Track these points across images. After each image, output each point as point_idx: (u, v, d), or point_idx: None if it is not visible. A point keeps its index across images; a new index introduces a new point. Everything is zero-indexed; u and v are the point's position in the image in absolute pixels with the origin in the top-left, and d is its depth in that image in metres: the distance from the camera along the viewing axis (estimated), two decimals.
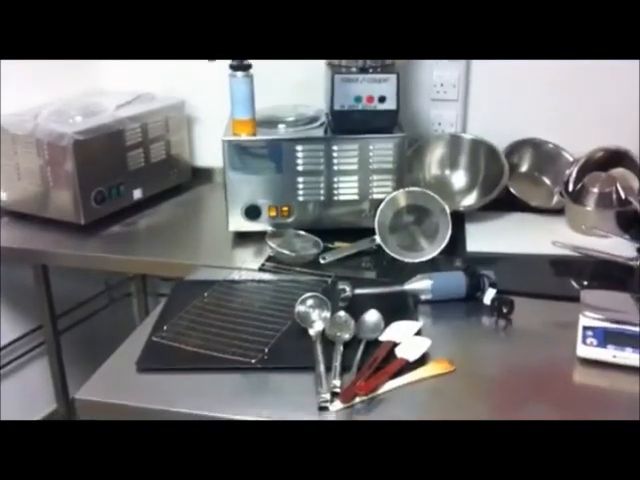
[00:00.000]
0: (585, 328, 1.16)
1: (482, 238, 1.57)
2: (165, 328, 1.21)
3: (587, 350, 1.13)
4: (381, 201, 1.50)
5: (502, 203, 1.67)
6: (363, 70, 1.52)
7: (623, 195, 1.55)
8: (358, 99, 1.50)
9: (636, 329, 1.14)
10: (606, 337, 1.13)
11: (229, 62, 1.48)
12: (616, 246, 1.41)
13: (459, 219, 1.62)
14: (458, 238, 1.56)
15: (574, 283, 1.39)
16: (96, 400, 1.08)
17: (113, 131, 1.70)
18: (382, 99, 1.50)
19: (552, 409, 1.05)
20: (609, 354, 1.12)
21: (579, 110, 1.70)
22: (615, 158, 1.63)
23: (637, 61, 1.62)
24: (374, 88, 1.50)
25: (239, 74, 1.49)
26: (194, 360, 1.14)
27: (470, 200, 1.70)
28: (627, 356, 1.11)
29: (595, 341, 1.13)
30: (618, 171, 1.63)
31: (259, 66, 1.50)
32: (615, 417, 1.02)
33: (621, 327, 1.15)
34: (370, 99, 1.50)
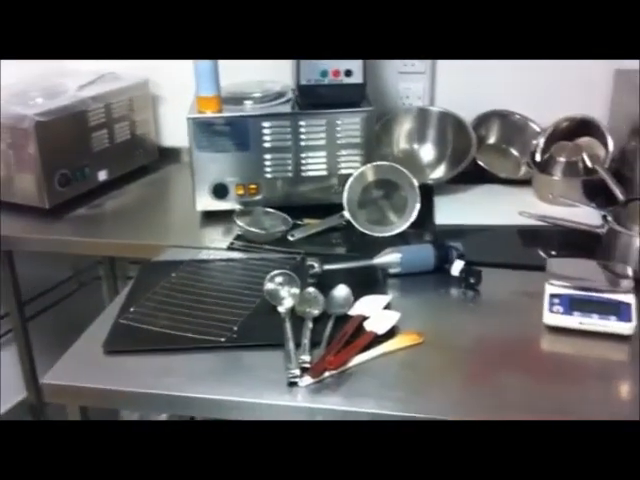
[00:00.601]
0: (551, 296, 1.16)
1: (451, 211, 1.57)
2: (132, 310, 1.20)
3: (553, 317, 1.14)
4: (349, 176, 1.50)
5: (471, 175, 1.67)
6: None
7: (589, 164, 1.56)
8: (324, 73, 1.49)
9: (602, 295, 1.15)
10: (572, 304, 1.14)
11: None
12: (583, 214, 1.42)
13: (428, 192, 1.62)
14: (427, 211, 1.56)
15: (541, 252, 1.39)
16: (63, 384, 1.07)
17: (76, 112, 1.67)
18: (348, 73, 1.49)
19: (521, 377, 1.06)
20: (575, 321, 1.13)
21: (545, 80, 1.71)
22: (581, 127, 1.64)
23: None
24: (340, 62, 1.48)
25: None
26: (162, 341, 1.13)
27: (439, 173, 1.70)
28: (593, 322, 1.12)
29: (561, 308, 1.14)
30: (584, 140, 1.63)
31: None
32: (581, 383, 1.04)
33: (587, 294, 1.16)
34: (336, 73, 1.49)
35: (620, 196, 1.39)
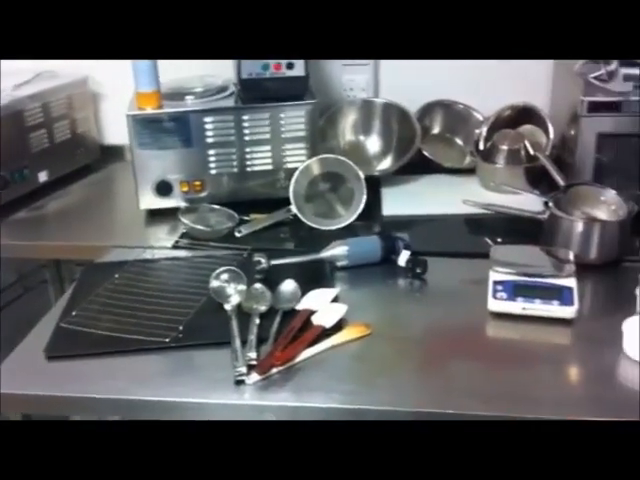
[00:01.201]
0: (495, 283, 1.18)
1: (398, 201, 1.58)
2: (74, 313, 1.17)
3: (498, 304, 1.16)
4: (296, 170, 1.49)
5: (417, 166, 1.68)
6: None
7: (532, 151, 1.58)
8: (266, 67, 1.47)
9: (544, 280, 1.17)
10: (515, 290, 1.16)
11: None
12: (526, 201, 1.44)
13: (375, 184, 1.62)
14: (374, 203, 1.56)
15: (487, 240, 1.41)
16: (4, 392, 1.04)
17: (12, 112, 1.62)
18: (290, 65, 1.48)
19: (468, 364, 1.07)
20: (518, 306, 1.14)
21: (487, 70, 1.72)
22: (523, 115, 1.66)
23: None
24: None
25: None
26: (106, 344, 1.10)
27: (385, 164, 1.70)
28: (536, 307, 1.14)
29: (505, 295, 1.16)
30: (526, 128, 1.66)
31: None
32: (527, 367, 1.05)
33: (529, 279, 1.17)
34: (278, 66, 1.47)
35: (561, 182, 1.41)
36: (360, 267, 1.33)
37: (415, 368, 1.07)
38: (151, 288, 1.25)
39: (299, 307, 1.18)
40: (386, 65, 1.76)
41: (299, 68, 1.47)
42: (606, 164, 1.44)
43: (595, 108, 1.40)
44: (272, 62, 1.47)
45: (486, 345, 1.14)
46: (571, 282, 1.17)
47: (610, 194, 1.36)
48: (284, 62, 1.47)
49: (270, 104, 1.49)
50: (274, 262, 1.28)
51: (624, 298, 1.19)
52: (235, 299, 1.19)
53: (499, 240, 1.41)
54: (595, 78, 1.45)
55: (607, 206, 1.36)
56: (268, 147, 1.52)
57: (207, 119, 1.48)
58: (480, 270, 1.24)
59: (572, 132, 1.45)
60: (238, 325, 1.12)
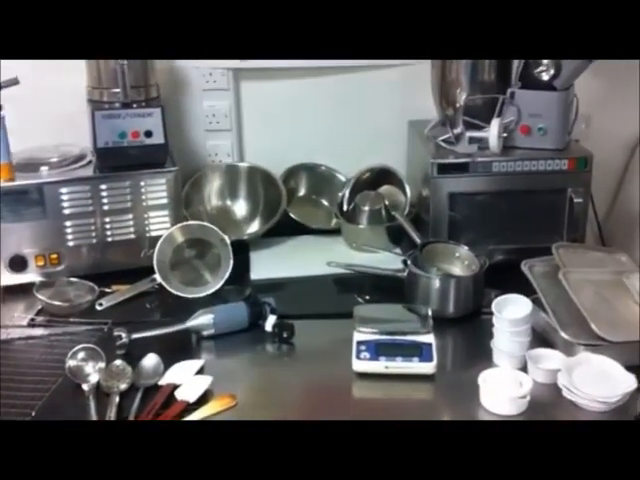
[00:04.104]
0: (358, 343, 1.20)
1: (266, 265, 1.58)
2: None
3: (362, 364, 1.17)
4: (159, 238, 1.46)
5: (286, 228, 1.70)
6: (126, 105, 1.47)
7: (391, 211, 1.64)
8: (123, 135, 1.46)
9: (405, 338, 1.20)
10: (377, 349, 1.18)
11: None
12: (387, 260, 1.49)
13: (244, 248, 1.62)
14: (243, 267, 1.55)
15: (356, 298, 1.44)
16: None
17: None
18: (149, 134, 1.47)
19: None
20: (381, 365, 1.17)
21: (347, 133, 1.79)
22: (382, 176, 1.73)
23: (395, 84, 1.73)
24: (139, 123, 1.46)
25: None
26: None
27: (253, 228, 1.71)
28: (397, 365, 1.17)
29: (368, 354, 1.18)
30: (386, 188, 1.73)
31: (13, 106, 1.40)
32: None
33: (390, 338, 1.20)
34: (136, 134, 1.46)
35: (418, 240, 1.47)
36: (228, 335, 1.31)
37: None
38: (2, 372, 1.17)
39: (162, 382, 1.14)
40: (250, 130, 1.78)
41: (157, 136, 1.47)
42: (459, 221, 1.51)
43: (444, 169, 1.48)
44: (130, 130, 1.45)
45: (352, 406, 1.15)
46: (430, 338, 1.21)
47: (463, 250, 1.44)
48: (142, 130, 1.46)
49: (129, 172, 1.46)
50: (135, 336, 1.24)
51: (482, 350, 1.24)
52: (93, 378, 1.14)
53: (367, 297, 1.45)
54: (443, 141, 1.55)
55: (461, 261, 1.44)
56: (130, 216, 1.49)
57: (63, 190, 1.43)
58: (344, 330, 1.26)
59: (426, 192, 1.53)
60: (96, 406, 1.07)
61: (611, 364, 1.14)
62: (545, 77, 1.48)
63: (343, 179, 1.78)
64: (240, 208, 1.75)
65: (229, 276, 1.47)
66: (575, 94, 1.54)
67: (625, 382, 1.11)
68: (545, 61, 1.47)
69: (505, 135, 1.49)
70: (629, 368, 1.13)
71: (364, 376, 1.18)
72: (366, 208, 1.64)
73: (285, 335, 1.28)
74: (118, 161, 1.46)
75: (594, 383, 1.10)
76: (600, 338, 1.17)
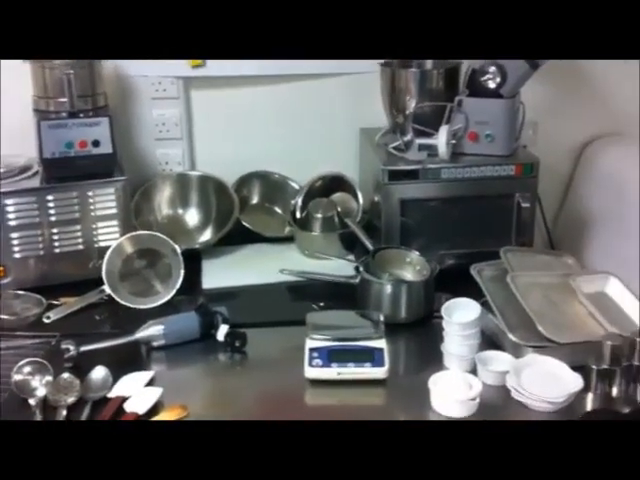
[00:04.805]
0: (311, 350, 1.20)
1: (219, 274, 1.57)
2: None
3: (314, 371, 1.17)
4: (108, 249, 1.44)
5: (239, 237, 1.69)
6: (72, 115, 1.45)
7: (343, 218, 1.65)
8: (70, 145, 1.43)
9: (357, 344, 1.21)
10: (330, 356, 1.19)
11: None
12: (340, 267, 1.49)
13: (196, 257, 1.61)
14: (195, 276, 1.54)
15: (306, 306, 1.44)
16: None
17: None
18: (96, 143, 1.45)
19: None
20: (334, 372, 1.17)
21: (299, 141, 1.79)
22: (335, 183, 1.73)
23: (347, 92, 1.74)
24: (86, 132, 1.44)
25: None
26: None
27: (206, 236, 1.70)
28: (350, 371, 1.17)
29: (320, 361, 1.18)
30: (339, 195, 1.73)
31: None
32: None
33: (343, 344, 1.21)
34: (83, 144, 1.44)
35: (370, 246, 1.48)
36: (179, 345, 1.29)
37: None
38: None
39: (111, 395, 1.12)
40: (201, 138, 1.77)
41: (105, 145, 1.45)
42: (411, 227, 1.53)
43: (395, 176, 1.50)
44: (77, 140, 1.43)
45: (305, 414, 1.14)
46: (382, 343, 1.21)
47: (414, 255, 1.45)
48: (89, 140, 1.43)
49: (76, 183, 1.44)
50: (84, 348, 1.21)
51: (433, 354, 1.25)
52: (40, 392, 1.12)
53: (321, 304, 1.45)
54: (394, 148, 1.56)
55: (413, 267, 1.45)
56: (78, 227, 1.46)
57: (8, 201, 1.40)
58: (300, 337, 1.26)
59: (378, 198, 1.54)
60: (43, 420, 1.05)
61: (558, 365, 1.16)
62: (492, 85, 1.50)
63: (296, 187, 1.78)
64: (192, 217, 1.73)
65: (181, 286, 1.46)
66: (521, 101, 1.57)
67: (572, 382, 1.13)
68: (491, 69, 1.50)
69: (454, 142, 1.51)
70: (575, 368, 1.16)
71: (317, 383, 1.18)
72: (319, 215, 1.64)
73: (237, 344, 1.27)
74: (65, 171, 1.44)
75: (542, 384, 1.12)
76: (547, 339, 1.20)
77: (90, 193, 1.45)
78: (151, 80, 1.68)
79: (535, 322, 1.21)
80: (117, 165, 1.50)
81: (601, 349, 1.16)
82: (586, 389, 1.15)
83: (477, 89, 1.52)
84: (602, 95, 1.80)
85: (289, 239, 1.70)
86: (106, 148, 1.45)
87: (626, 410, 1.12)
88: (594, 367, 1.15)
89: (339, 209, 1.66)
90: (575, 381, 1.13)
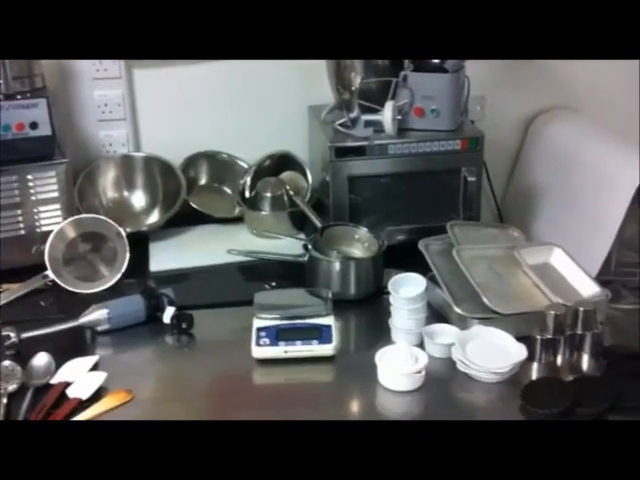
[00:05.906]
0: (258, 329, 1.19)
1: (166, 256, 1.54)
2: None
3: (261, 350, 1.17)
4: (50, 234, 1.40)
5: (188, 218, 1.66)
6: (8, 97, 1.40)
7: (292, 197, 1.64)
8: (7, 127, 1.39)
9: (305, 321, 1.21)
10: (278, 335, 1.18)
11: None
12: (290, 246, 1.49)
13: (144, 240, 1.58)
14: (143, 259, 1.52)
15: (256, 286, 1.43)
16: None
17: None
18: (34, 125, 1.40)
19: (237, 414, 1.05)
20: (281, 350, 1.17)
21: (247, 119, 1.76)
22: (284, 162, 1.72)
23: (295, 69, 1.72)
24: (23, 114, 1.40)
25: None
26: None
27: (153, 218, 1.66)
28: (297, 349, 1.17)
29: (268, 340, 1.17)
30: (288, 174, 1.72)
31: None
32: (294, 411, 1.06)
33: (290, 322, 1.20)
34: (20, 126, 1.39)
35: (318, 224, 1.47)
36: (125, 329, 1.27)
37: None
38: None
39: (53, 381, 1.10)
40: (146, 119, 1.73)
41: (44, 127, 1.40)
42: (360, 204, 1.52)
43: (343, 153, 1.49)
44: (14, 123, 1.39)
45: (253, 393, 1.14)
46: (330, 320, 1.21)
47: (362, 232, 1.45)
48: (27, 122, 1.39)
49: (14, 166, 1.39)
50: (26, 335, 1.19)
51: (382, 329, 1.26)
52: None
53: (273, 284, 1.44)
54: (340, 125, 1.55)
55: (361, 243, 1.45)
56: (18, 211, 1.42)
57: None
58: (248, 318, 1.25)
59: (326, 176, 1.53)
60: None
61: (503, 336, 1.18)
62: (436, 60, 1.50)
63: (245, 166, 1.76)
64: (138, 199, 1.70)
65: (129, 269, 1.44)
66: (467, 75, 1.58)
67: (516, 352, 1.15)
68: None
69: (400, 118, 1.51)
70: (521, 339, 1.17)
71: (265, 362, 1.17)
72: (268, 195, 1.63)
73: (184, 326, 1.26)
74: (3, 155, 1.39)
75: (487, 355, 1.14)
76: (492, 311, 1.21)
77: (30, 177, 1.41)
78: (92, 60, 1.63)
79: (480, 294, 1.22)
80: (57, 147, 1.46)
81: (545, 319, 1.17)
82: (531, 359, 1.16)
83: (422, 64, 1.51)
84: (549, 69, 1.81)
85: (239, 219, 1.68)
86: (45, 130, 1.41)
87: (570, 378, 1.14)
88: (538, 337, 1.17)
89: (288, 188, 1.65)
90: (519, 351, 1.15)
